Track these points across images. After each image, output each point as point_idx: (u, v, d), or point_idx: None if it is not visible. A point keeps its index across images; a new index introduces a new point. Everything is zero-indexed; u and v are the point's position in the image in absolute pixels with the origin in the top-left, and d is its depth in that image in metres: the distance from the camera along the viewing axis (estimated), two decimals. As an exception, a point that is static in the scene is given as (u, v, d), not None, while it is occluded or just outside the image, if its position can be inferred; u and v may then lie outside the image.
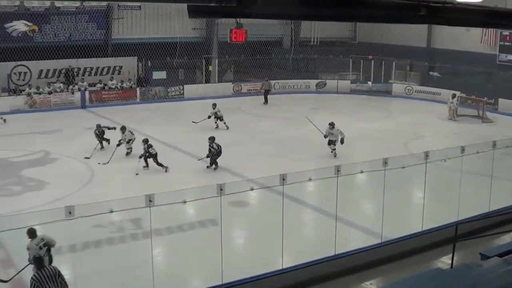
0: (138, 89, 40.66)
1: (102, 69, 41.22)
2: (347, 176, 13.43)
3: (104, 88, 39.59)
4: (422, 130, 30.80)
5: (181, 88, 41.74)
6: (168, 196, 11.74)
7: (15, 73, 38.36)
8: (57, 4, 38.99)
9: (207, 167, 22.72)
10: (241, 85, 43.60)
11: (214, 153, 22.62)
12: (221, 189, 11.58)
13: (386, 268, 13.18)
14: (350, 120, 31.75)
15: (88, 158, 23.89)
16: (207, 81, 44.58)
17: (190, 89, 41.95)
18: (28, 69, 38.74)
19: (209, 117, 30.14)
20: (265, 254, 14.18)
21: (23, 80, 38.62)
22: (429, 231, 14.55)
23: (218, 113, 30.31)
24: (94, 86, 39.81)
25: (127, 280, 13.19)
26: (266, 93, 40.31)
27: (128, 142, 24.17)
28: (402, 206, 18.03)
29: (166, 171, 22.33)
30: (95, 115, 34.80)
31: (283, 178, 12.42)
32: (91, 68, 40.90)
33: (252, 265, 13.24)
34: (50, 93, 37.77)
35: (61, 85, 38.80)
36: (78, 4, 39.18)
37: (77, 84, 39.26)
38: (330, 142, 24.35)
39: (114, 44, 41.56)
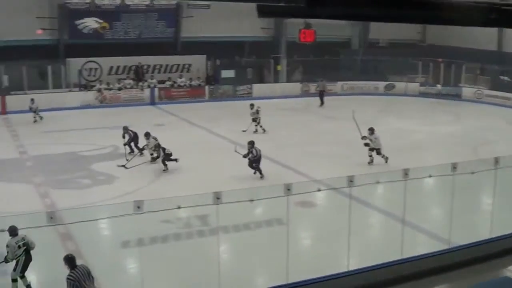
0: (206, 87, 41.02)
1: (171, 67, 41.74)
2: (415, 180, 13.23)
3: (173, 85, 40.07)
4: (491, 135, 30.09)
5: (249, 87, 41.92)
6: (236, 194, 11.76)
7: (86, 69, 39.19)
8: (128, 1, 39.65)
9: (254, 173, 21.59)
10: (309, 85, 43.40)
11: (253, 159, 21.44)
12: (288, 189, 11.52)
13: (453, 275, 12.91)
14: (418, 123, 31.34)
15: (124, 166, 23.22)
16: (276, 80, 44.61)
17: (258, 88, 42.10)
18: (99, 65, 39.52)
19: (254, 120, 29.37)
20: (330, 255, 14.10)
21: (94, 76, 39.44)
22: (498, 239, 14.18)
23: (255, 114, 29.35)
24: (163, 83, 40.30)
25: (192, 276, 13.28)
26: (322, 94, 39.72)
27: (151, 148, 23.52)
28: (471, 212, 17.65)
29: (176, 161, 22.35)
30: (163, 112, 35.29)
31: (350, 180, 12.30)
32: (161, 66, 41.46)
33: (317, 266, 13.16)
34: (120, 89, 38.48)
35: (131, 81, 39.49)
36: (148, 2, 39.77)
37: (146, 81, 39.83)
38: (369, 148, 23.21)
39: (184, 42, 42.05)
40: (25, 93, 37.00)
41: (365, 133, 23.06)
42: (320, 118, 34.13)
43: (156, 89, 39.37)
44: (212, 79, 42.58)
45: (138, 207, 10.49)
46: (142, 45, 40.31)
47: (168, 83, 40.34)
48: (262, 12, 8.20)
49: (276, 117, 33.05)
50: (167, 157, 22.22)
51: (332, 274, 12.12)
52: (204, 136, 28.17)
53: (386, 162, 23.05)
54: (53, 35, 39.18)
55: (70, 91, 38.62)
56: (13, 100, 35.11)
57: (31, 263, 12.59)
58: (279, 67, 44.60)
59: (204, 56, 42.42)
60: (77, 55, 38.60)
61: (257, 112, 29.33)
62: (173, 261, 13.78)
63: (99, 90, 38.02)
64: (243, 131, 28.85)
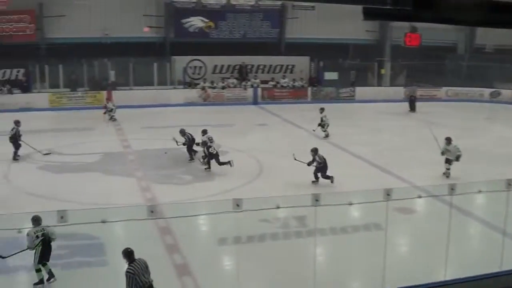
0: (309, 88, 40.84)
1: (275, 67, 41.83)
2: (518, 190, 12.67)
3: (276, 85, 40.11)
4: None
5: (352, 90, 41.49)
6: (334, 196, 11.60)
7: (190, 67, 39.87)
8: (233, 1, 40.03)
9: (312, 182, 20.33)
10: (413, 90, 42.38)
11: (318, 167, 20.24)
12: (388, 194, 11.28)
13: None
14: (526, 132, 30.17)
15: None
16: (379, 84, 43.99)
17: (361, 91, 41.67)
18: (203, 63, 40.12)
19: (321, 125, 28.44)
20: (427, 264, 13.70)
21: (198, 74, 40.05)
22: None
23: (323, 118, 28.40)
24: (267, 83, 40.42)
25: (288, 276, 13.16)
26: (412, 100, 38.12)
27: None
28: None
29: (231, 165, 21.51)
30: (266, 112, 35.41)
31: (451, 188, 11.93)
32: (264, 66, 41.62)
33: (413, 274, 12.82)
34: (223, 88, 38.89)
35: (235, 80, 39.81)
36: (253, 2, 40.00)
37: (249, 81, 40.06)
38: (446, 160, 21.50)
39: (287, 43, 42.10)
40: (131, 89, 38.00)
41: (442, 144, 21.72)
42: (424, 124, 33.30)
43: (259, 89, 39.55)
44: (315, 80, 42.39)
45: (237, 205, 10.47)
46: (246, 45, 40.60)
47: (271, 83, 40.44)
48: (368, 14, 8.00)
49: (378, 121, 32.60)
50: (213, 157, 21.60)
51: (428, 283, 11.77)
52: (305, 137, 27.97)
53: (448, 177, 21.00)
54: (159, 33, 40.08)
55: (175, 88, 39.41)
56: (119, 95, 35.97)
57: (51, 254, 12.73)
58: (383, 71, 43.95)
59: (308, 57, 42.29)
60: (182, 53, 39.32)
61: (325, 116, 28.50)
62: (269, 261, 13.69)
63: (203, 88, 38.53)
64: (313, 130, 28.69)
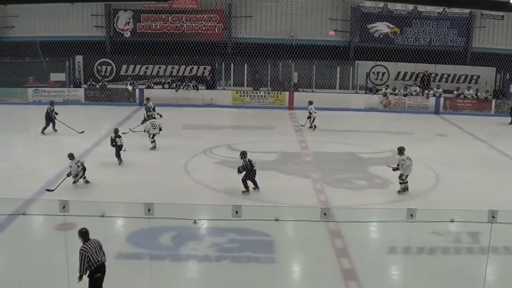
0: (493, 101, 39.29)
1: (459, 77, 40.63)
2: None
3: (459, 96, 39.00)
4: None
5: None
6: (512, 215, 11.22)
7: (373, 73, 39.74)
8: (420, 8, 39.44)
9: (243, 192, 19.00)
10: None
11: (248, 169, 19.06)
12: None
13: None
14: None
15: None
16: None
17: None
18: (386, 69, 39.86)
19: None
20: None
21: (381, 80, 39.87)
22: None
23: (310, 111, 30.04)
24: (451, 93, 39.41)
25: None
26: None
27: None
28: None
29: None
30: (446, 122, 34.65)
31: None
32: (448, 75, 40.58)
33: None
34: (405, 95, 38.40)
35: (417, 88, 39.19)
36: (440, 10, 39.23)
37: (432, 89, 39.31)
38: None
39: (474, 52, 40.77)
40: (312, 91, 38.50)
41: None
42: None
43: (441, 98, 38.65)
44: (500, 92, 40.75)
45: (411, 215, 10.44)
46: (431, 53, 39.81)
47: (455, 93, 39.35)
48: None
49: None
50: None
51: None
52: (485, 151, 27.09)
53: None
54: (344, 37, 40.34)
55: (356, 92, 39.46)
56: (301, 97, 36.54)
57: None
58: None
59: (494, 68, 40.71)
60: (365, 58, 39.35)
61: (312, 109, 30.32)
62: (437, 275, 13.43)
63: (385, 95, 38.28)
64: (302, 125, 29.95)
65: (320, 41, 39.40)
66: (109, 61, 40.65)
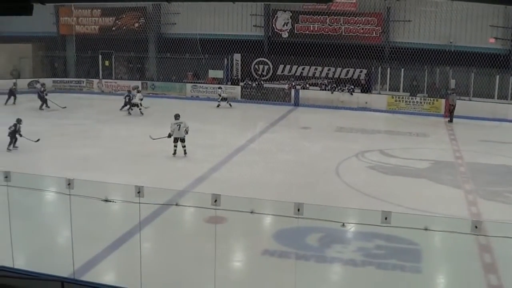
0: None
1: None
2: None
3: None
4: None
5: None
6: None
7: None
8: None
9: None
10: None
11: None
12: None
13: None
14: None
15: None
16: None
17: None
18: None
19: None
20: None
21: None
22: None
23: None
24: None
25: None
26: None
27: None
28: None
29: None
30: None
31: None
32: None
33: None
34: None
35: None
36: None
37: None
38: None
39: None
40: (470, 100, 37.47)
41: None
42: None
43: None
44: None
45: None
46: None
47: None
48: None
49: None
50: None
51: None
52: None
53: None
54: (505, 45, 38.86)
55: (517, 102, 37.92)
56: (457, 105, 35.53)
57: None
58: None
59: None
60: None
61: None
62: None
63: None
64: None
65: (479, 48, 38.18)
66: (266, 60, 41.62)
